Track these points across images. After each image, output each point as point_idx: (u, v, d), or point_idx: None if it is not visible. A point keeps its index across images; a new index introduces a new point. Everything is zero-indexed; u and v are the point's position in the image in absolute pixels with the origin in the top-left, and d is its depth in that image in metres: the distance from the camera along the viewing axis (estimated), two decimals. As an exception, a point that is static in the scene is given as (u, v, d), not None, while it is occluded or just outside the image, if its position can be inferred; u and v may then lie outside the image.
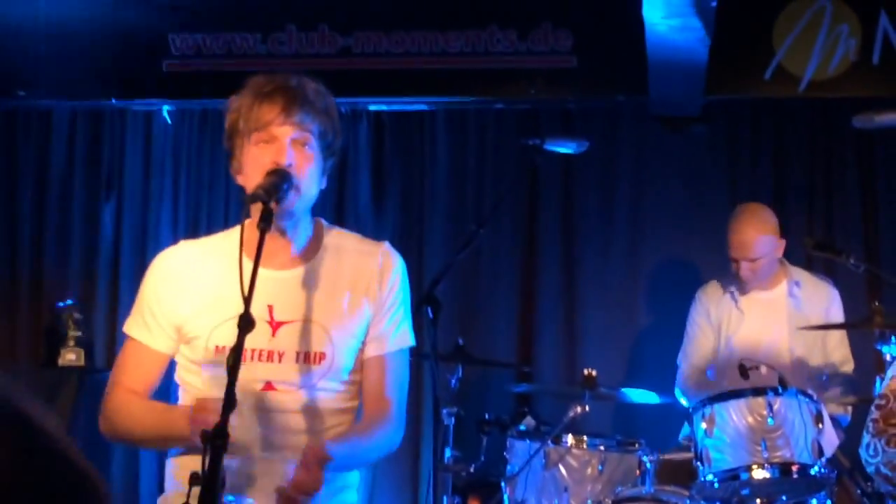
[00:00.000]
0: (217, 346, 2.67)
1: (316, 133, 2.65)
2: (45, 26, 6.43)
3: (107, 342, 6.52)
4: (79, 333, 6.18)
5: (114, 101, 6.55)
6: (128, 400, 2.78)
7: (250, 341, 2.56)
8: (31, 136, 6.67)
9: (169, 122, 6.62)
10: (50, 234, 6.62)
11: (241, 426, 2.59)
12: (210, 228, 6.46)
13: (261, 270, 2.64)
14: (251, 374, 2.62)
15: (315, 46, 6.28)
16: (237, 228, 2.61)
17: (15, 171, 6.66)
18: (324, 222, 2.86)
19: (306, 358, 2.67)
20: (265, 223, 2.48)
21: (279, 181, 2.56)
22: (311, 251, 2.76)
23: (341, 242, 2.81)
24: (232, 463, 2.56)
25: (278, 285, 2.70)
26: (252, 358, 2.66)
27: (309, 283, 2.71)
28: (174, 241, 6.39)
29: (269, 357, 2.67)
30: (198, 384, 2.71)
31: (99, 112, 6.66)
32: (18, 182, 6.65)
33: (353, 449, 2.69)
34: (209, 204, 6.57)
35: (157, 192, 6.61)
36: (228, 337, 2.49)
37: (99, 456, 6.04)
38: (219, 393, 2.56)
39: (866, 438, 3.85)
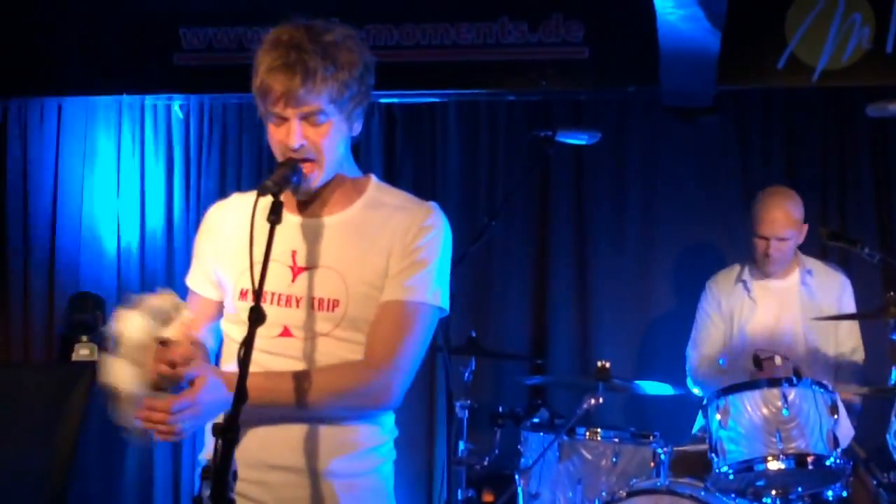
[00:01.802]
0: (242, 290, 2.67)
1: (323, 103, 2.62)
2: (57, 21, 6.44)
3: (120, 337, 6.51)
4: (92, 328, 6.18)
5: (125, 95, 6.56)
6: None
7: (271, 285, 2.59)
8: (45, 129, 6.68)
9: (181, 116, 6.62)
10: (63, 228, 6.63)
11: (258, 370, 2.57)
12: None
13: (291, 216, 2.65)
14: (271, 318, 2.53)
15: (326, 40, 6.27)
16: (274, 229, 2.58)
17: (28, 165, 6.67)
18: (373, 178, 2.82)
19: (320, 305, 2.64)
20: (275, 216, 2.47)
21: (288, 174, 2.56)
22: (346, 202, 2.74)
23: (383, 198, 2.77)
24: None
25: (305, 231, 2.69)
26: (271, 301, 2.65)
27: (336, 232, 2.69)
28: (187, 235, 6.51)
29: (288, 302, 2.65)
30: (233, 334, 2.70)
31: (111, 106, 6.66)
32: (31, 177, 6.66)
33: (274, 384, 2.56)
34: (222, 196, 6.53)
35: (170, 186, 6.61)
36: (251, 280, 2.50)
37: (113, 451, 6.05)
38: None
39: (895, 425, 3.87)
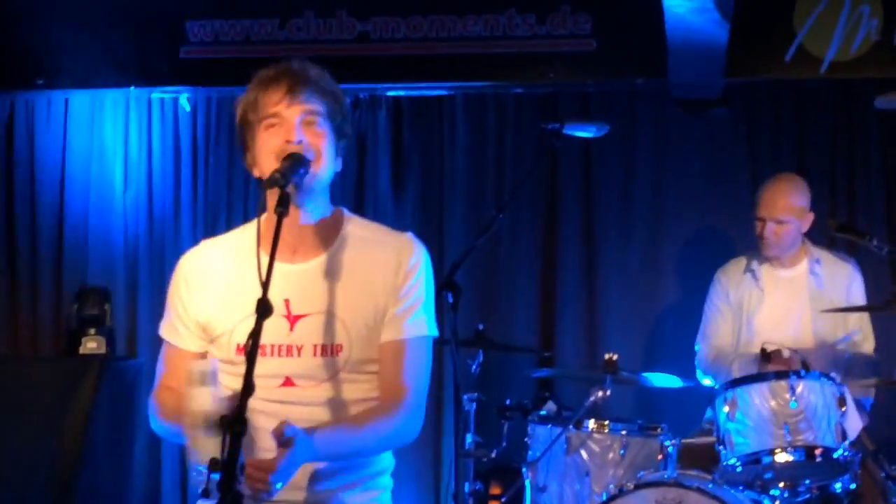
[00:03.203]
0: (238, 345, 2.66)
1: (324, 112, 2.64)
2: (63, 14, 6.44)
3: (128, 330, 6.54)
4: (100, 322, 6.19)
5: (132, 88, 6.56)
6: (166, 397, 2.78)
7: (268, 336, 2.57)
8: (51, 123, 6.69)
9: (187, 109, 6.62)
10: (70, 222, 6.64)
11: (262, 423, 2.61)
12: (230, 216, 6.50)
13: (277, 265, 2.62)
14: (270, 370, 2.62)
15: (333, 32, 6.28)
16: (255, 222, 2.62)
17: (34, 159, 6.68)
18: (345, 211, 2.83)
19: (324, 351, 2.65)
20: (283, 207, 2.47)
21: (295, 164, 2.55)
22: (328, 241, 2.73)
23: (361, 232, 2.78)
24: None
25: (295, 278, 2.68)
26: (271, 353, 2.65)
27: (326, 274, 2.69)
28: (194, 228, 6.51)
29: (289, 351, 2.65)
30: (230, 383, 2.69)
31: (117, 100, 6.66)
32: (37, 170, 6.67)
33: (340, 437, 2.62)
34: (229, 190, 6.58)
35: (177, 180, 6.62)
36: (248, 334, 2.49)
37: (121, 443, 6.06)
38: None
39: None
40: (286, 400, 2.65)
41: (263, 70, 2.72)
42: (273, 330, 2.59)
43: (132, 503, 6.22)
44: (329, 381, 2.66)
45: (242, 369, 2.45)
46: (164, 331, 2.88)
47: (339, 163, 2.74)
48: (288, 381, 2.66)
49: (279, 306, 2.62)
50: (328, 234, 2.74)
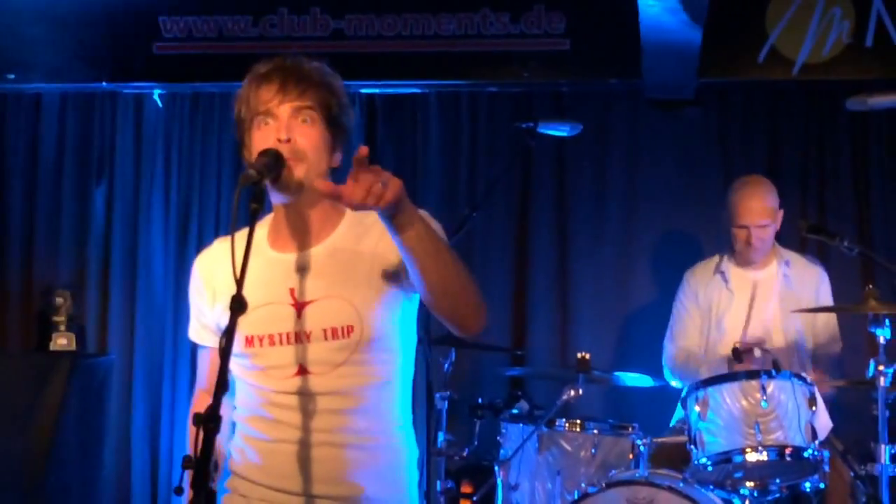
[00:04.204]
0: (246, 337, 2.65)
1: (316, 105, 2.64)
2: (35, 9, 6.40)
3: (98, 327, 6.51)
4: (70, 318, 6.16)
5: (104, 84, 6.52)
6: (202, 404, 2.80)
7: (276, 326, 2.60)
8: (21, 119, 6.65)
9: (160, 105, 6.59)
10: (40, 218, 6.60)
11: (281, 416, 2.62)
12: (202, 212, 6.48)
13: (279, 255, 2.66)
14: (283, 360, 2.61)
15: (307, 29, 6.26)
16: (267, 219, 2.66)
17: (4, 155, 6.64)
18: None
19: (334, 333, 2.62)
20: (258, 203, 2.46)
21: (270, 160, 2.54)
22: (330, 228, 2.72)
23: (363, 214, 2.76)
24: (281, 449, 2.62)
25: (298, 266, 2.67)
26: (281, 342, 2.63)
27: (328, 259, 2.68)
28: (166, 225, 6.49)
29: (298, 338, 2.62)
30: (240, 374, 2.69)
31: (90, 95, 6.63)
32: (8, 166, 6.63)
33: (432, 231, 2.53)
34: (201, 187, 6.55)
35: (149, 176, 6.59)
36: (255, 326, 2.52)
37: (91, 441, 6.03)
38: (267, 384, 2.64)
39: None
40: (302, 390, 2.63)
41: (257, 65, 2.70)
42: (280, 319, 2.60)
43: (102, 501, 6.19)
44: (344, 365, 2.62)
45: (251, 362, 2.51)
46: (192, 333, 2.90)
47: (339, 157, 2.73)
48: (301, 370, 2.63)
49: (284, 296, 2.63)
50: (330, 221, 2.72)
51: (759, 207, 5.08)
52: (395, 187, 2.36)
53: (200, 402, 2.88)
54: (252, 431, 2.68)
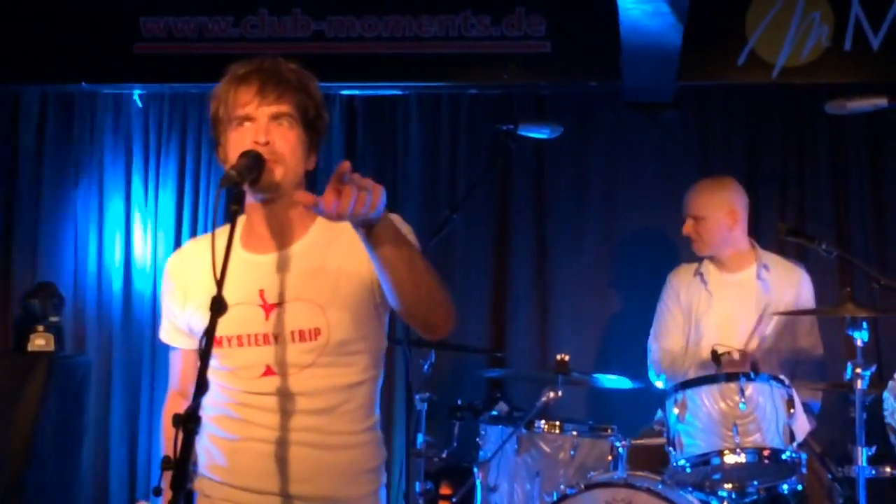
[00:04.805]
0: (216, 338, 2.65)
1: (294, 109, 2.64)
2: (14, 8, 6.37)
3: (76, 327, 6.48)
4: (48, 319, 6.13)
5: (84, 84, 6.50)
6: (176, 405, 2.82)
7: (245, 327, 2.63)
8: (1, 119, 6.61)
9: (140, 105, 6.58)
10: (19, 218, 6.57)
11: (247, 415, 2.64)
12: (181, 213, 6.46)
13: (251, 257, 2.68)
14: (251, 360, 2.64)
15: (288, 30, 6.25)
16: (239, 219, 2.65)
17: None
18: None
19: (301, 336, 2.64)
20: (237, 204, 2.47)
21: (251, 162, 2.54)
22: (302, 230, 2.73)
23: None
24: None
25: (269, 268, 2.69)
26: (249, 343, 2.65)
27: (300, 262, 2.69)
28: (145, 225, 6.46)
29: (266, 340, 2.65)
30: (219, 380, 2.69)
31: (70, 95, 6.61)
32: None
33: (402, 238, 2.51)
34: (181, 188, 6.54)
35: (128, 177, 6.57)
36: (224, 327, 2.50)
37: (69, 441, 6.02)
38: (234, 384, 2.65)
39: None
40: (268, 391, 2.64)
41: (236, 66, 2.71)
42: (249, 320, 2.63)
43: (80, 501, 6.17)
44: (311, 367, 2.64)
45: (219, 363, 2.55)
46: (163, 334, 2.92)
47: (314, 160, 2.74)
48: (269, 371, 2.65)
49: (254, 297, 2.65)
50: (303, 224, 2.74)
51: (699, 199, 5.16)
52: (380, 194, 2.35)
53: (172, 403, 2.91)
54: (218, 431, 2.68)
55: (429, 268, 2.54)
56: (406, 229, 2.64)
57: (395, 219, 2.58)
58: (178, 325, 2.83)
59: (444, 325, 2.63)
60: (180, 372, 2.90)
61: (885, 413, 4.26)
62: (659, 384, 5.21)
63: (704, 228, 5.15)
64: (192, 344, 2.83)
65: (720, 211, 5.14)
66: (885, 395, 4.28)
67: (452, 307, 2.63)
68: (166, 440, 2.88)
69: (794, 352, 5.17)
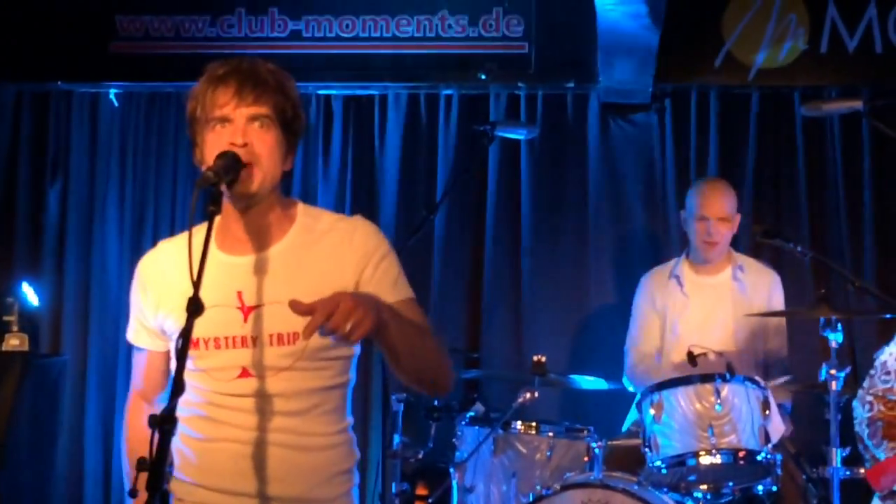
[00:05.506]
0: (193, 341, 2.63)
1: (272, 111, 2.63)
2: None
3: (51, 327, 6.45)
4: (23, 318, 6.10)
5: (60, 83, 6.47)
6: (137, 424, 2.81)
7: (222, 329, 2.60)
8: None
9: (116, 104, 6.55)
10: (-6, 217, 6.55)
11: (220, 416, 2.63)
12: (157, 212, 6.44)
13: (229, 258, 2.65)
14: (227, 362, 2.62)
15: (265, 30, 6.25)
16: (215, 220, 2.61)
17: (-42, 153, 6.57)
18: (299, 203, 2.83)
19: (280, 339, 2.63)
20: (215, 206, 2.46)
21: (228, 163, 2.53)
22: (281, 233, 2.72)
23: (313, 221, 2.75)
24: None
25: (247, 270, 2.67)
26: (226, 345, 2.63)
27: (279, 264, 2.68)
28: (121, 225, 6.43)
29: (244, 342, 2.63)
30: (192, 380, 2.67)
31: (45, 94, 6.57)
32: (-37, 164, 6.57)
33: (406, 320, 2.61)
34: (156, 187, 6.51)
35: (104, 176, 6.54)
36: (201, 328, 2.48)
37: (44, 441, 5.98)
38: (208, 385, 2.64)
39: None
40: (243, 392, 2.63)
41: (213, 66, 2.68)
42: (227, 322, 2.61)
43: (54, 501, 6.14)
44: (287, 371, 2.63)
45: (193, 364, 2.53)
46: (130, 335, 2.89)
47: (291, 161, 2.73)
48: (244, 373, 2.63)
49: (232, 299, 2.63)
50: (281, 226, 2.72)
51: (721, 201, 5.13)
52: (372, 319, 2.39)
53: (135, 405, 2.89)
54: (190, 431, 2.67)
55: (430, 340, 2.66)
56: (402, 282, 2.76)
57: (391, 264, 2.71)
58: (148, 325, 2.81)
59: (444, 385, 2.76)
60: (143, 373, 2.88)
61: (855, 422, 4.28)
62: (631, 389, 5.21)
63: (725, 231, 5.15)
64: (159, 346, 2.81)
65: (734, 218, 5.17)
66: (855, 403, 4.29)
67: (451, 369, 2.75)
68: (128, 441, 2.86)
69: (765, 353, 5.20)
